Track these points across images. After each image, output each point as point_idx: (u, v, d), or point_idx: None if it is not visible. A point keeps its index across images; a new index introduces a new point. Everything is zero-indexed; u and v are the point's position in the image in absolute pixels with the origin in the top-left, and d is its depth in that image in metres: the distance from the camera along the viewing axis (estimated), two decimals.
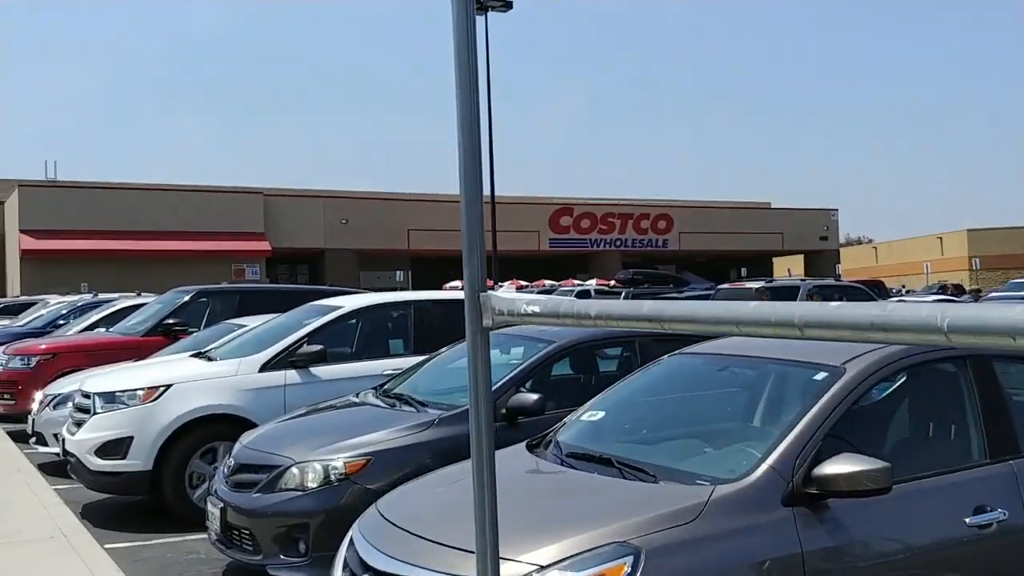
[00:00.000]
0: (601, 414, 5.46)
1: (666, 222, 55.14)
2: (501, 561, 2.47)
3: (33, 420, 11.59)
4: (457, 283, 37.28)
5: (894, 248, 71.43)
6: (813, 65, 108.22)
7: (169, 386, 8.79)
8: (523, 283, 43.77)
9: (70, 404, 11.15)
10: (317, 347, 9.02)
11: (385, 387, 7.87)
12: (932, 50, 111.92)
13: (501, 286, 40.98)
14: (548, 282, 47.06)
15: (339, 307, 9.61)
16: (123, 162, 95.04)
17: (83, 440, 8.77)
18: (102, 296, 24.77)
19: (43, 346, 14.33)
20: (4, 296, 42.22)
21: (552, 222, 53.53)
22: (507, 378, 6.92)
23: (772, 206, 61.10)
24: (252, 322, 12.23)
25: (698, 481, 4.25)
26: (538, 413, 6.50)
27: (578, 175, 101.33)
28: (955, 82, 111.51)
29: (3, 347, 15.50)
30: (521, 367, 7.06)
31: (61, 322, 20.57)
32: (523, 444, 5.33)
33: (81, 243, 44.37)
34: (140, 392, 8.78)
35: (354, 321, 9.75)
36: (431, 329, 9.69)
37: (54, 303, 24.90)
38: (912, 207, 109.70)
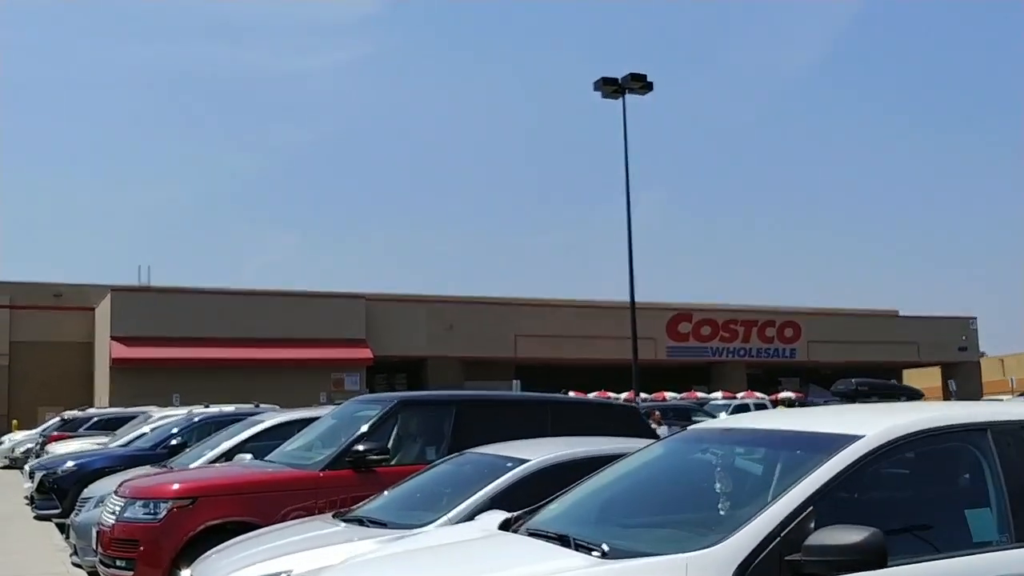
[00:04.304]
0: None
1: (793, 330, 49.65)
2: None
3: None
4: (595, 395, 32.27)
5: None
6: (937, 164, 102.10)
7: None
8: (644, 395, 38.50)
9: None
10: (862, 533, 3.83)
11: None
12: None
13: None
14: (669, 395, 41.82)
15: (854, 436, 4.39)
16: (217, 267, 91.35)
17: None
18: (216, 408, 19.97)
19: (175, 485, 9.23)
20: (91, 407, 37.66)
21: (670, 329, 48.35)
22: None
23: (900, 313, 55.30)
24: (525, 452, 7.19)
25: None
26: None
27: (692, 278, 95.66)
28: None
29: (117, 481, 10.50)
30: None
31: (174, 442, 15.62)
32: None
33: (174, 351, 40.37)
34: None
35: (887, 465, 4.51)
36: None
37: (159, 416, 20.05)
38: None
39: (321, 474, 9.23)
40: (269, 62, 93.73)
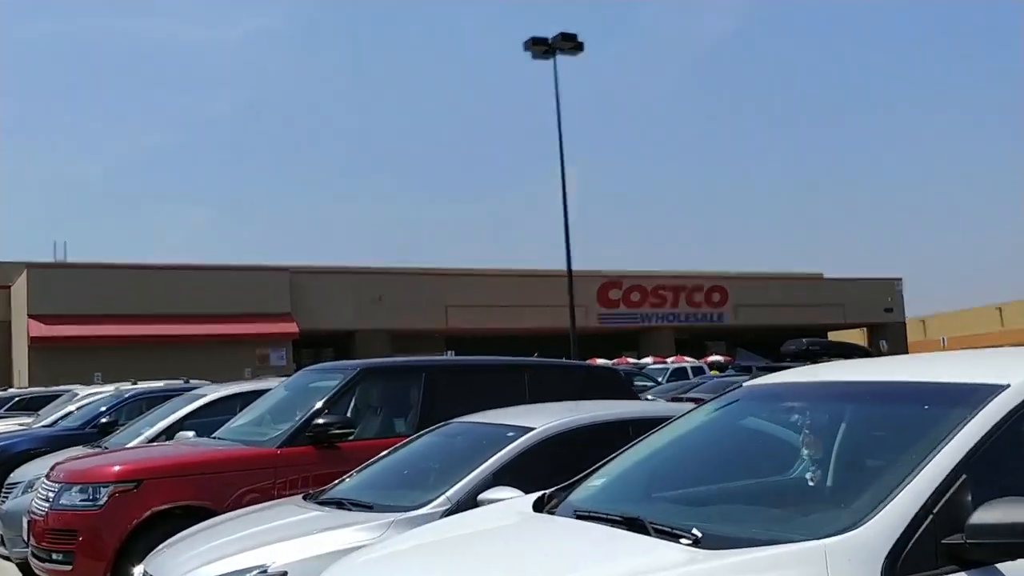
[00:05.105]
0: None
1: (720, 294, 49.34)
2: None
3: None
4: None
5: (945, 321, 65.40)
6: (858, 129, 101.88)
7: None
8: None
9: None
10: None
11: None
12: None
13: None
14: (600, 361, 41.21)
15: (998, 385, 3.51)
16: (134, 241, 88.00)
17: None
18: (145, 385, 18.68)
19: (116, 467, 8.11)
20: (9, 387, 35.77)
21: (600, 296, 47.69)
22: None
23: (825, 276, 55.37)
24: (525, 420, 6.25)
25: None
26: None
27: (618, 245, 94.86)
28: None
29: (47, 464, 9.34)
30: None
31: (104, 420, 14.38)
32: None
33: (94, 328, 38.51)
34: None
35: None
36: None
37: (85, 394, 18.71)
38: (946, 279, 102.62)
39: (279, 451, 8.23)
40: (176, 32, 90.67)
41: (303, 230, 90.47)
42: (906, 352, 49.06)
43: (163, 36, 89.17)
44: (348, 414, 8.80)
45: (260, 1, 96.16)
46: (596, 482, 4.42)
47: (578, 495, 4.31)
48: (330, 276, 45.29)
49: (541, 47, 31.71)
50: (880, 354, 29.06)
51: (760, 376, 4.99)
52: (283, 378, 11.35)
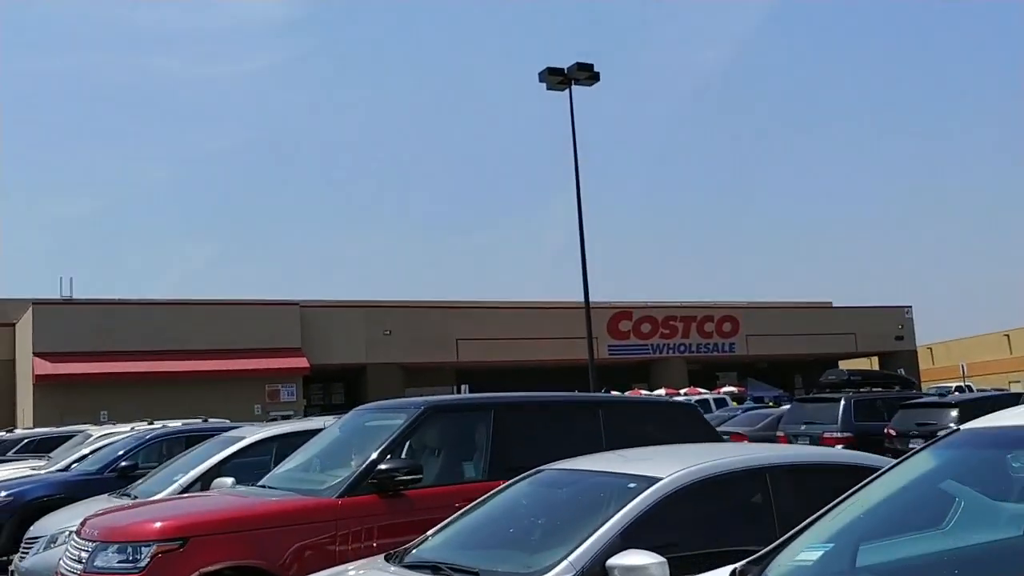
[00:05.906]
0: None
1: (732, 324, 48.43)
2: None
3: None
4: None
5: (952, 349, 64.30)
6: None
7: None
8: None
9: None
10: None
11: None
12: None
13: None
14: (614, 393, 40.26)
15: None
16: (144, 277, 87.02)
17: None
18: (169, 424, 17.74)
19: (158, 523, 7.10)
20: (14, 428, 34.69)
21: (611, 327, 46.77)
22: None
23: (834, 305, 54.50)
24: (640, 467, 5.31)
25: None
26: None
27: (633, 275, 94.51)
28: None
29: (70, 515, 8.36)
30: None
31: (124, 463, 13.36)
32: None
33: (101, 366, 37.53)
34: None
35: None
36: None
37: (100, 435, 17.71)
38: (950, 307, 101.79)
39: (340, 501, 7.26)
40: (180, 69, 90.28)
41: (311, 265, 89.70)
42: (919, 379, 48.12)
43: (167, 73, 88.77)
44: (407, 456, 7.88)
45: (267, 37, 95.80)
46: (804, 555, 3.48)
47: (781, 571, 3.38)
48: (340, 310, 44.39)
49: (557, 77, 30.98)
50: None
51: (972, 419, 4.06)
52: (331, 418, 10.39)
